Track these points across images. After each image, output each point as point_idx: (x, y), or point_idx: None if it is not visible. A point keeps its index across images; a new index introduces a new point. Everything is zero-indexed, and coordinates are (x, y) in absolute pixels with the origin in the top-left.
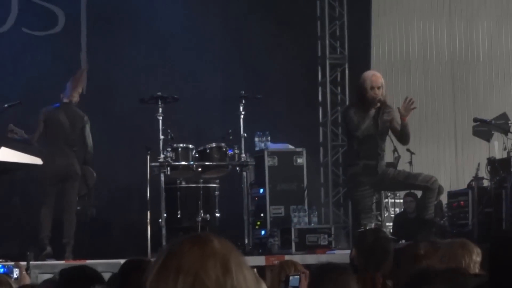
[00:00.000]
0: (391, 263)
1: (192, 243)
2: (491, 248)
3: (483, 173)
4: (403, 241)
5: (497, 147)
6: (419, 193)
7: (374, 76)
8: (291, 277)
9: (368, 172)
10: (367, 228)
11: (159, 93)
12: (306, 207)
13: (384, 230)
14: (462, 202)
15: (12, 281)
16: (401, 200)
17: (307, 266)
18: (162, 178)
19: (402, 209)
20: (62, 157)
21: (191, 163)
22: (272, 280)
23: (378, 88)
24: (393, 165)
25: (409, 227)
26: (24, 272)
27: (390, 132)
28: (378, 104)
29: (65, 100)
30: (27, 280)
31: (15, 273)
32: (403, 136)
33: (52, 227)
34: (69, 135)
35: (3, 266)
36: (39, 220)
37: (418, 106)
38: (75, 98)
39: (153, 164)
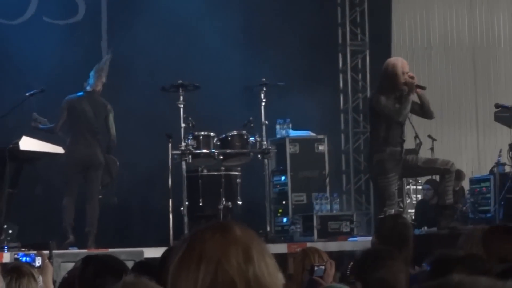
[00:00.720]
0: (411, 249)
1: (214, 231)
2: None
3: (505, 159)
4: (425, 227)
5: None
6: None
7: (403, 62)
8: (316, 267)
9: (393, 159)
10: (387, 214)
11: (180, 81)
12: (327, 194)
13: (405, 216)
14: (484, 188)
15: (35, 271)
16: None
17: (329, 253)
18: (184, 166)
19: (421, 197)
20: (86, 146)
21: (213, 151)
22: (296, 267)
23: (407, 73)
24: (415, 151)
25: (430, 213)
26: (46, 261)
27: (409, 121)
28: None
29: (89, 89)
30: (50, 269)
31: (38, 261)
32: (425, 109)
33: (74, 216)
34: (92, 124)
35: (25, 255)
36: (62, 209)
37: (439, 93)
38: (99, 87)
39: (174, 152)
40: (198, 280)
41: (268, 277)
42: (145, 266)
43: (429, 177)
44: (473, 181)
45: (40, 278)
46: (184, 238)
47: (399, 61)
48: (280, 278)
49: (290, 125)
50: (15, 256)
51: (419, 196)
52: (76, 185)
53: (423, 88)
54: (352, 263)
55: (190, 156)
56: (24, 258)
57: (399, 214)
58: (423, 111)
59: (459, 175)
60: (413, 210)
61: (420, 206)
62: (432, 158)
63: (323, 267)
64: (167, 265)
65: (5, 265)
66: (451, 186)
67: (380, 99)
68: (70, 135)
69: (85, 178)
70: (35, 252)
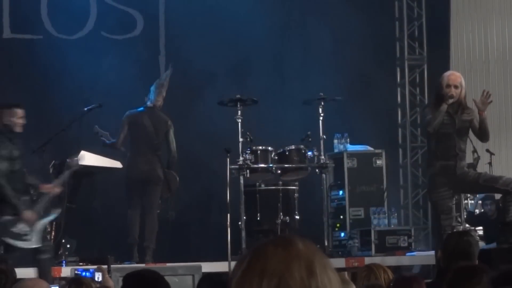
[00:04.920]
0: None
1: (276, 245)
2: None
3: None
4: (483, 243)
5: None
6: (497, 195)
7: (452, 75)
8: None
9: (445, 173)
10: (455, 230)
11: (238, 96)
12: (385, 208)
13: (472, 234)
14: None
15: (96, 286)
16: (480, 202)
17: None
18: (242, 181)
19: (482, 211)
20: (145, 162)
21: (270, 165)
22: (360, 283)
23: (456, 87)
24: (473, 166)
25: (489, 229)
26: (107, 276)
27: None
28: (450, 101)
29: (149, 104)
30: (111, 284)
31: (97, 277)
32: (482, 133)
33: (141, 230)
34: (152, 139)
35: (84, 270)
36: (128, 225)
37: (497, 106)
38: (159, 102)
39: (232, 166)
40: None
41: None
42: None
43: None
44: None
45: None
46: (246, 252)
47: (447, 74)
48: None
49: (348, 140)
50: (76, 272)
51: (477, 211)
52: (138, 199)
53: (460, 103)
54: None
55: (248, 171)
56: (84, 273)
57: (467, 231)
58: (479, 131)
59: None
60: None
61: (481, 221)
62: (494, 177)
63: None
64: None
65: (64, 279)
66: None
67: (424, 111)
68: (130, 150)
69: (144, 192)
70: (94, 267)
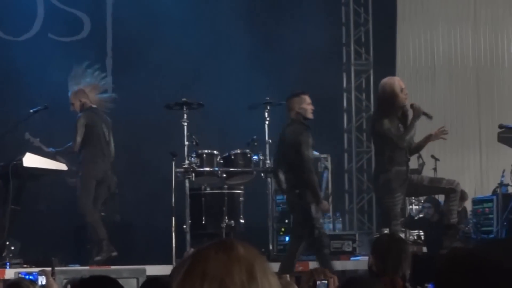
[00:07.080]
0: (409, 265)
1: (217, 249)
2: None
3: (508, 179)
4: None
5: None
6: (440, 200)
7: (398, 79)
8: (318, 282)
9: (399, 178)
10: (382, 233)
11: (184, 99)
12: (330, 213)
13: (401, 235)
14: (486, 209)
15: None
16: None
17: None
18: (187, 184)
19: (421, 215)
20: (104, 162)
21: (216, 169)
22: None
23: (405, 88)
24: (418, 171)
25: (430, 232)
26: (50, 279)
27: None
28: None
29: (93, 106)
30: (55, 287)
31: (41, 280)
32: (416, 151)
33: (85, 232)
34: (105, 138)
35: (27, 274)
36: (94, 226)
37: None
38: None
39: (178, 170)
40: None
41: None
42: (154, 285)
43: None
44: (475, 202)
45: None
46: (187, 256)
47: (395, 80)
48: None
49: None
50: (19, 276)
51: (421, 216)
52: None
53: (429, 117)
54: None
55: (193, 174)
56: (27, 277)
57: (394, 232)
58: (413, 151)
59: (462, 195)
60: (415, 231)
61: (422, 225)
62: (437, 178)
63: (326, 281)
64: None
65: (6, 281)
66: (456, 206)
67: (384, 123)
68: (88, 150)
69: (95, 191)
70: (37, 270)
